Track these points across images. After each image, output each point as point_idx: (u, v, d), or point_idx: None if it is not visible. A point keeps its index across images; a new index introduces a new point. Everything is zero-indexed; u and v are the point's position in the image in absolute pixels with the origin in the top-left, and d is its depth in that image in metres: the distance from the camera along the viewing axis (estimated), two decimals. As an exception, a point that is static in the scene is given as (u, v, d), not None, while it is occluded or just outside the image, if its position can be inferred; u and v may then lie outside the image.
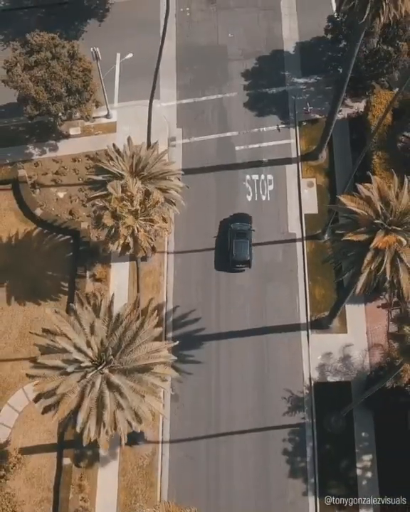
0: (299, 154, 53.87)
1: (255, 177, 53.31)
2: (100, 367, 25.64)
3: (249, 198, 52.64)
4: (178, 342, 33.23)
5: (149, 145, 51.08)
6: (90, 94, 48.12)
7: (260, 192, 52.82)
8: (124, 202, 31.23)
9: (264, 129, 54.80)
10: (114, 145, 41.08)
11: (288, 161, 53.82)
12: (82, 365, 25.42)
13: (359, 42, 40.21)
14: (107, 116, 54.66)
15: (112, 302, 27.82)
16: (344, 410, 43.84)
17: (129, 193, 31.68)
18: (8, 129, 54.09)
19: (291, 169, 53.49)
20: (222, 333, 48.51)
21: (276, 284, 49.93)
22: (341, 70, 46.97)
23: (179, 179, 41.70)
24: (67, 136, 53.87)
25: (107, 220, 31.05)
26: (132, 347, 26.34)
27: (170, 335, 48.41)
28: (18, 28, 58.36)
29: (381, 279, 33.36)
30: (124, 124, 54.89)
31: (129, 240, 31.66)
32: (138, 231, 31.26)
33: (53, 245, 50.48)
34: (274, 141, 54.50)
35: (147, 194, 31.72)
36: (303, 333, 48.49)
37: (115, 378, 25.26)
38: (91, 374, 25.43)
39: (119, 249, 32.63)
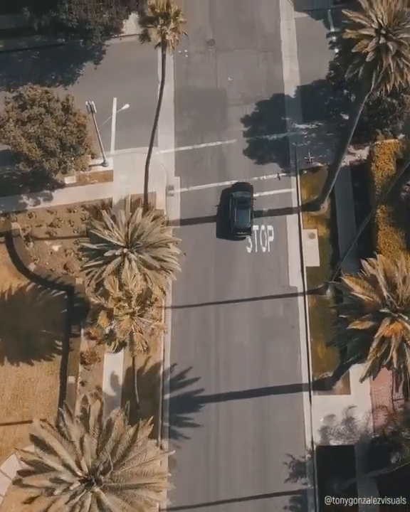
0: (300, 204, 52.44)
1: (255, 227, 51.79)
2: (90, 487, 24.19)
3: (249, 250, 51.17)
4: (173, 451, 31.66)
5: (146, 198, 49.99)
6: (84, 149, 46.66)
7: (261, 243, 51.36)
8: (122, 302, 29.88)
9: (264, 177, 53.37)
10: (109, 210, 39.69)
11: (289, 210, 52.38)
12: (71, 487, 23.97)
13: (363, 103, 38.78)
14: (104, 164, 53.19)
15: (101, 412, 26.38)
16: (348, 482, 42.36)
17: (126, 288, 30.24)
18: (1, 178, 52.55)
19: (292, 219, 52.04)
20: (221, 394, 47.00)
21: (277, 341, 48.42)
22: (343, 130, 45.48)
23: (176, 244, 40.33)
24: (63, 185, 52.39)
25: (103, 321, 29.75)
26: (125, 461, 24.89)
27: (167, 396, 46.95)
28: (12, 70, 57.08)
29: (387, 365, 31.89)
30: (120, 173, 53.45)
31: (126, 339, 30.37)
32: (134, 331, 29.95)
33: (47, 301, 49.00)
34: (274, 190, 53.06)
35: (148, 294, 30.34)
36: (305, 393, 46.98)
37: (106, 498, 23.83)
38: (81, 495, 23.99)
39: (115, 350, 31.38)
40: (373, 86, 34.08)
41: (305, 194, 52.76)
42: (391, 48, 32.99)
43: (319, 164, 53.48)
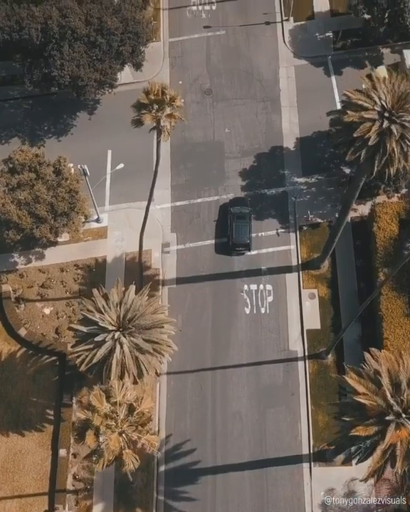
0: (299, 262, 50.82)
1: (254, 287, 50.22)
2: None
3: (247, 311, 49.52)
4: None
5: (140, 256, 48.37)
6: (77, 213, 45.04)
7: (259, 304, 49.70)
8: (109, 421, 28.20)
9: (262, 233, 51.77)
10: (100, 288, 38.03)
11: (288, 269, 50.74)
12: None
13: (364, 179, 37.14)
14: (98, 220, 51.61)
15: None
16: None
17: (114, 401, 28.55)
18: (-9, 235, 51.00)
19: (291, 279, 50.38)
20: (218, 467, 45.35)
21: (276, 409, 46.74)
22: (342, 204, 43.77)
23: (172, 321, 38.69)
24: (55, 243, 50.59)
25: (90, 441, 28.08)
26: None
27: (162, 468, 45.28)
28: (3, 120, 55.59)
29: (391, 468, 30.27)
30: (115, 229, 51.93)
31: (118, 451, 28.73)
32: (122, 449, 28.29)
33: (38, 368, 47.31)
34: (273, 247, 51.44)
35: (131, 410, 28.66)
36: (305, 465, 45.34)
37: None
38: None
39: (104, 467, 29.71)
40: (376, 169, 32.50)
41: (304, 252, 51.17)
42: (395, 131, 31.40)
43: (320, 220, 51.93)
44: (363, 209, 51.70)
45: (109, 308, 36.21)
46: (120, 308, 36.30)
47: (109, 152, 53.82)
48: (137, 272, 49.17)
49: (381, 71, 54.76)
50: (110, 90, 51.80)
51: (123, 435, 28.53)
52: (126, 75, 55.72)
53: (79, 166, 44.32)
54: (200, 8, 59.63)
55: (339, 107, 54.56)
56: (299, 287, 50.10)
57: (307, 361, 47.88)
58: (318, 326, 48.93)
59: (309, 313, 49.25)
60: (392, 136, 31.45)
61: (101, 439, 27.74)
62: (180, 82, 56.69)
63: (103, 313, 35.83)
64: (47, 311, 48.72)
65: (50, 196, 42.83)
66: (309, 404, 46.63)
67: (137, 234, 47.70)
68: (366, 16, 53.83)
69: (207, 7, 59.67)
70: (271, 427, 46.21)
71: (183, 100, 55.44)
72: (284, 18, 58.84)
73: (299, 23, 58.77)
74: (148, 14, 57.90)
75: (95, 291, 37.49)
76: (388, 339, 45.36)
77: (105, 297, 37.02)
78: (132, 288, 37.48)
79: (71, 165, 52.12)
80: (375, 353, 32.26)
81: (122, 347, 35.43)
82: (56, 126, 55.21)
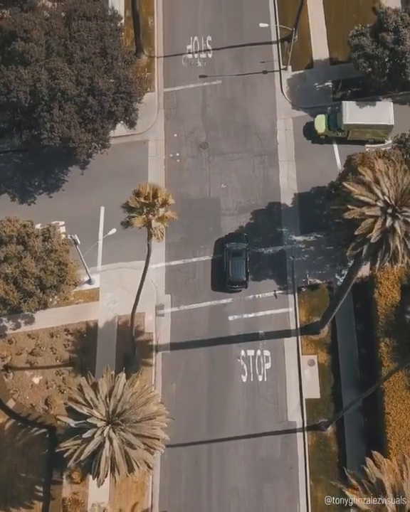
0: (298, 326, 49.18)
1: (251, 353, 48.57)
2: None
3: (244, 379, 47.86)
4: None
5: (132, 319, 46.71)
6: (67, 285, 43.42)
7: (257, 371, 48.05)
8: None
9: (260, 295, 50.14)
10: (88, 377, 36.33)
11: (287, 333, 49.12)
12: None
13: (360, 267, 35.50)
14: (89, 282, 49.97)
15: None
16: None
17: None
18: (-22, 299, 49.33)
19: (290, 344, 48.75)
20: (214, 548, 43.79)
21: (274, 484, 45.13)
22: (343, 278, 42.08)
23: (164, 413, 36.91)
24: (44, 306, 48.94)
25: None
26: None
27: (156, 549, 43.70)
28: (-7, 175, 53.93)
29: None
30: (107, 291, 50.27)
31: None
32: None
33: (27, 441, 45.62)
34: (271, 309, 49.79)
35: None
36: (304, 545, 43.81)
37: None
38: None
39: None
40: (378, 266, 30.92)
41: (303, 315, 49.55)
42: (398, 229, 29.79)
43: (319, 281, 50.33)
44: (363, 269, 49.94)
45: (98, 400, 34.52)
46: (109, 400, 34.62)
47: (102, 209, 52.22)
48: (130, 338, 47.49)
49: (320, 120, 53.57)
50: (102, 150, 50.04)
51: None
52: (119, 128, 53.93)
53: (69, 235, 42.76)
54: (196, 56, 58.04)
55: (338, 162, 53.30)
56: (298, 353, 48.46)
57: (306, 433, 46.24)
58: (318, 395, 47.28)
59: (308, 382, 47.61)
60: (395, 233, 29.85)
61: None
62: (175, 135, 55.11)
63: (92, 408, 34.13)
64: (36, 380, 47.08)
65: (39, 269, 41.19)
66: (308, 479, 45.03)
67: (129, 295, 46.26)
68: (368, 70, 52.19)
69: (203, 55, 58.08)
70: (269, 503, 44.60)
71: (178, 154, 54.75)
72: (282, 66, 57.20)
73: (297, 72, 57.20)
74: (142, 63, 56.51)
75: (83, 380, 35.81)
76: (390, 414, 43.72)
77: (94, 387, 35.32)
78: (122, 376, 35.78)
79: (62, 223, 51.08)
80: (378, 458, 30.63)
81: (111, 443, 33.80)
82: (47, 181, 53.56)
